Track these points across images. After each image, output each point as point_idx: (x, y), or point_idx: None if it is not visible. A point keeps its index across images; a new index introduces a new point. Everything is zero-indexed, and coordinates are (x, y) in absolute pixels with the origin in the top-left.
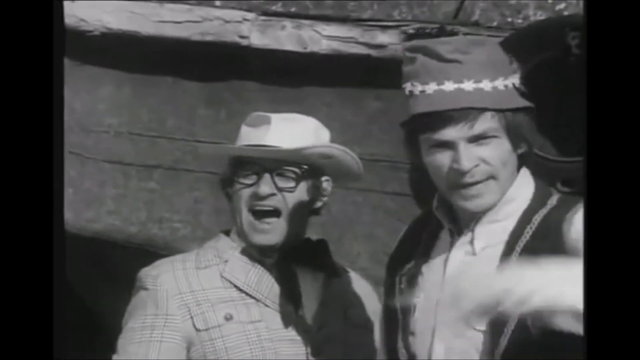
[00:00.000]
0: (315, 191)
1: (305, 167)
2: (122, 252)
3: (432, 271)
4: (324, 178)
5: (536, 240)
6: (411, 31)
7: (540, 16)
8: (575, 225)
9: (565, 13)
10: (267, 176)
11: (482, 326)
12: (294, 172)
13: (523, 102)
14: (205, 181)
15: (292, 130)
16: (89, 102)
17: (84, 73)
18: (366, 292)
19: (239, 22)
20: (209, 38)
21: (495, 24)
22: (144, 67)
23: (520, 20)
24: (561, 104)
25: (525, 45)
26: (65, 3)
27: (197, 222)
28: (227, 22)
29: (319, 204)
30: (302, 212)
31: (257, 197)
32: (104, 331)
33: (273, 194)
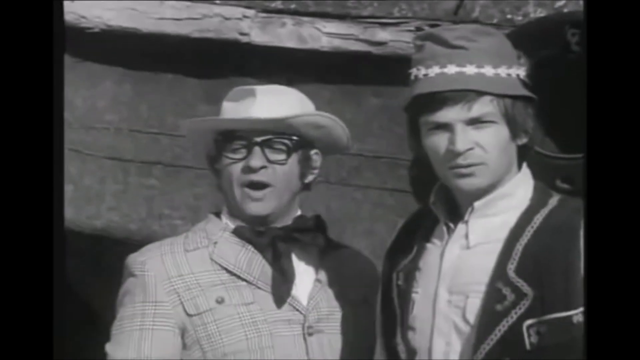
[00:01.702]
0: (306, 164)
1: (295, 138)
2: (122, 248)
3: (428, 266)
4: (313, 151)
5: (537, 241)
6: (392, 44)
7: (540, 13)
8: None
9: (565, 10)
10: (257, 149)
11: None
12: (285, 144)
13: (524, 92)
14: (205, 178)
15: (278, 102)
16: (89, 99)
17: (84, 70)
18: (365, 268)
19: (239, 19)
20: (209, 35)
21: (495, 21)
22: (144, 63)
23: (520, 18)
24: (561, 101)
25: (525, 43)
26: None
27: (197, 218)
28: (227, 19)
29: (310, 177)
30: (294, 185)
31: (248, 170)
32: (104, 329)
33: (264, 167)
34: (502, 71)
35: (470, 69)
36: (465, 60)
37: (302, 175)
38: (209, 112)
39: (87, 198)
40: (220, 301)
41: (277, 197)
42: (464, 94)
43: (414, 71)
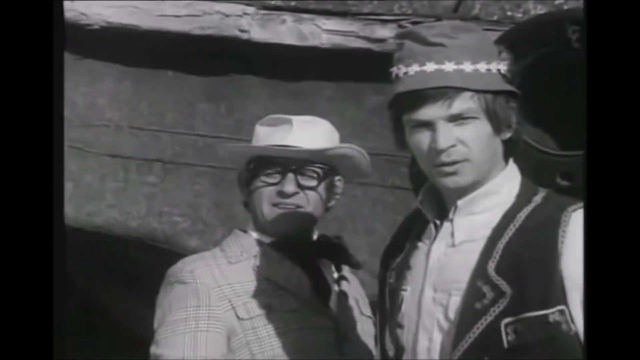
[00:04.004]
0: (331, 190)
1: (325, 167)
2: (122, 245)
3: (417, 264)
4: (337, 177)
5: (518, 239)
6: (392, 41)
7: (540, 10)
8: (566, 255)
9: (565, 7)
10: (290, 175)
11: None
12: (315, 172)
13: (506, 86)
14: (205, 175)
15: (312, 132)
16: (89, 96)
17: (84, 67)
18: (361, 288)
19: (239, 16)
20: (209, 32)
21: (495, 18)
22: (145, 61)
23: (520, 15)
24: (561, 97)
25: (525, 39)
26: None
27: (197, 215)
28: (227, 16)
29: (332, 202)
30: (321, 208)
31: (282, 194)
32: (105, 327)
33: (297, 192)
34: (482, 66)
35: (449, 66)
36: (443, 57)
37: (327, 200)
38: (208, 109)
39: (87, 195)
40: (269, 307)
41: (304, 217)
42: (444, 91)
43: (394, 70)
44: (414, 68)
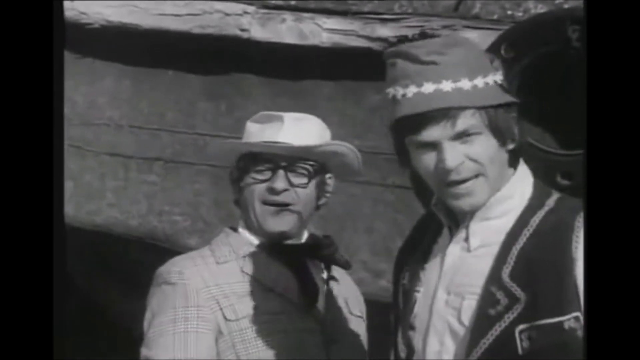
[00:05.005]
0: (322, 187)
1: (315, 164)
2: (122, 244)
3: (431, 266)
4: (328, 175)
5: (533, 245)
6: (392, 40)
7: (541, 9)
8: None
9: (566, 6)
10: (281, 172)
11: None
12: (306, 169)
13: (505, 98)
14: (205, 174)
15: (303, 129)
16: (90, 95)
17: (84, 66)
18: (355, 288)
19: (240, 15)
20: (209, 31)
21: (495, 17)
22: (145, 60)
23: (520, 13)
24: (561, 97)
25: (526, 38)
26: None
27: (197, 214)
28: (227, 15)
29: (323, 200)
30: (311, 207)
31: (272, 191)
32: (104, 326)
33: (287, 189)
34: (479, 81)
35: (447, 85)
36: (440, 76)
37: (318, 198)
38: (209, 108)
39: (88, 194)
40: (256, 308)
41: (295, 216)
42: (445, 112)
43: (391, 91)
44: (412, 89)
